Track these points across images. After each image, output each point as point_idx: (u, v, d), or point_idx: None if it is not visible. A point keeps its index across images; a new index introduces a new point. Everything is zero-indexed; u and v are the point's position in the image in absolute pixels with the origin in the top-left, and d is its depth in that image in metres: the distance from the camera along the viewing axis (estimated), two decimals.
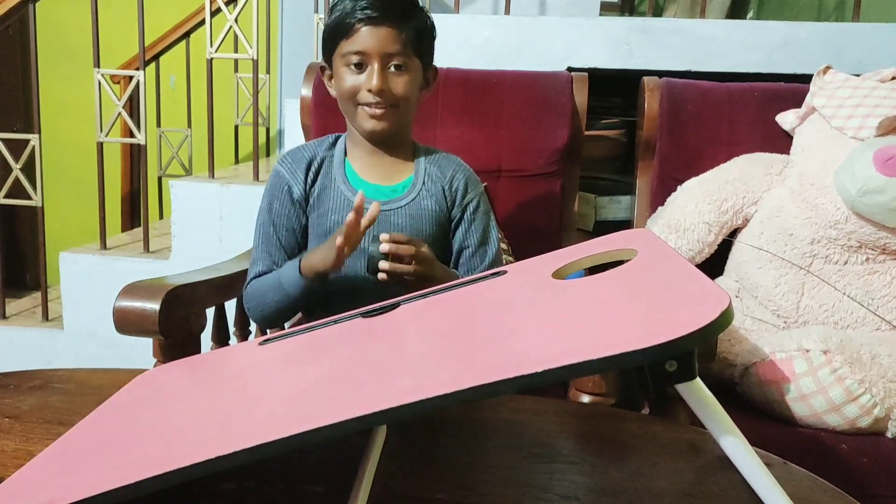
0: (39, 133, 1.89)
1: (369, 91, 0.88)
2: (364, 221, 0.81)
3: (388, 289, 0.82)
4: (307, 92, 1.39)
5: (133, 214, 2.88)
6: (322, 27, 0.97)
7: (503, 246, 1.32)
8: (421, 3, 0.95)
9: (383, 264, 0.84)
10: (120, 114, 1.90)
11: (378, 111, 0.89)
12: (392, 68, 0.89)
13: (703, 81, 1.42)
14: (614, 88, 1.77)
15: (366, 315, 0.65)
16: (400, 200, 0.95)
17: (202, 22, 2.08)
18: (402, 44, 0.88)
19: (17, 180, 1.89)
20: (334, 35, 0.91)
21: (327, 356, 0.57)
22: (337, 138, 1.00)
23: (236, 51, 2.24)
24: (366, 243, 0.88)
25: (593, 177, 1.78)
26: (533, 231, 1.38)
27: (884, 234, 1.09)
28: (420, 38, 0.91)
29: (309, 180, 0.95)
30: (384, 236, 0.84)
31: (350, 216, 0.80)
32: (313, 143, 1.00)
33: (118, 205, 2.84)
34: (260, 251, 0.96)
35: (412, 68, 0.91)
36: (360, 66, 0.89)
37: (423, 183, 0.96)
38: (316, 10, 2.41)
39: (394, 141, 0.96)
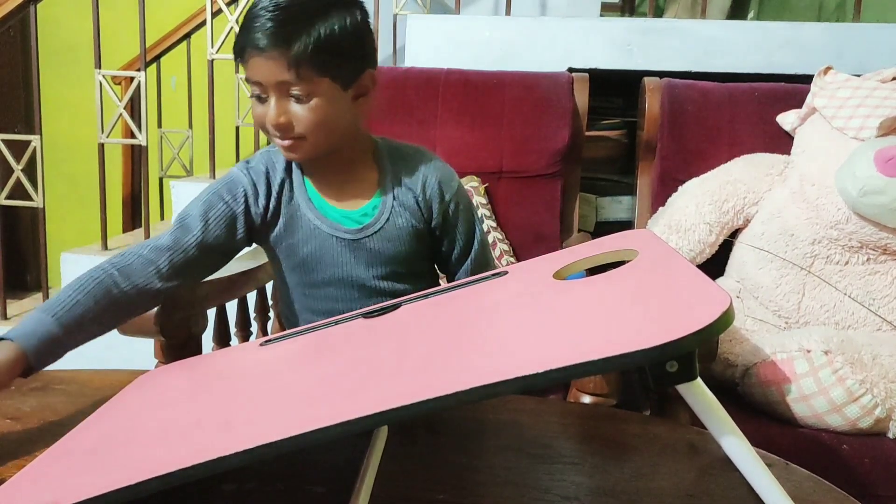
0: (40, 134, 1.89)
1: (272, 125, 0.78)
2: None
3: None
4: None
5: (134, 215, 2.88)
6: None
7: (504, 247, 1.32)
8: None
9: None
10: (121, 115, 1.90)
11: (286, 143, 0.79)
12: (293, 98, 0.77)
13: (704, 82, 1.42)
14: (615, 89, 1.77)
15: (367, 316, 0.65)
16: (374, 225, 0.86)
17: (203, 23, 2.09)
18: (295, 70, 0.75)
19: (18, 181, 1.89)
20: (236, 57, 0.80)
21: (328, 357, 0.57)
22: None
23: None
24: (347, 271, 0.85)
25: (594, 177, 1.78)
26: (534, 232, 1.38)
27: (885, 234, 1.09)
28: (321, 54, 0.75)
29: (268, 203, 0.85)
30: None
31: None
32: (262, 157, 0.88)
33: (119, 206, 2.84)
34: (169, 231, 0.83)
35: (318, 93, 0.77)
36: (261, 99, 0.78)
37: (394, 198, 0.87)
38: None
39: (341, 159, 0.86)
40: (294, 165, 0.87)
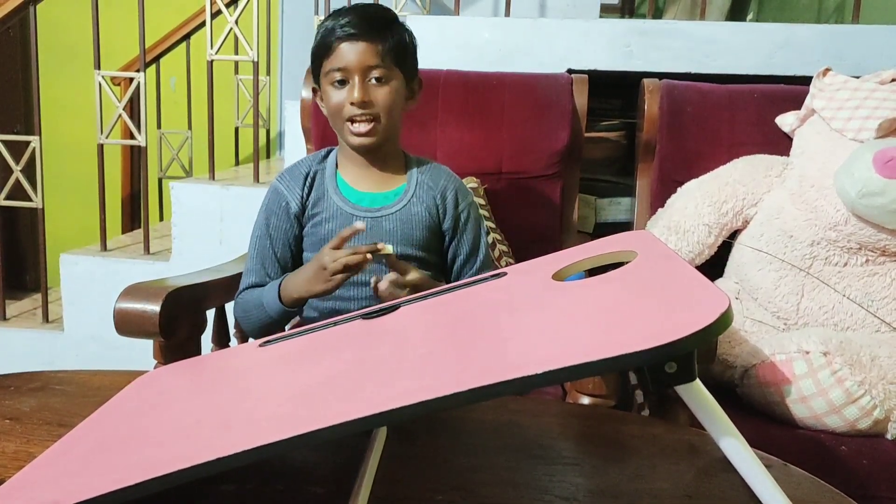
0: (40, 135, 1.89)
1: (352, 104, 0.92)
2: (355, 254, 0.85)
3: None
4: (307, 94, 1.39)
5: (133, 216, 2.88)
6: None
7: (503, 248, 1.32)
8: (400, 17, 0.99)
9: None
10: (120, 115, 1.90)
11: (362, 127, 0.93)
12: (373, 80, 0.92)
13: (703, 83, 1.42)
14: (614, 90, 1.77)
15: (366, 317, 0.65)
16: (391, 207, 0.98)
17: (202, 24, 2.09)
18: (381, 56, 0.92)
19: (17, 182, 1.89)
20: (318, 55, 0.95)
21: (328, 358, 0.57)
22: (329, 151, 1.04)
23: (237, 53, 2.25)
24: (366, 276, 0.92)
25: (593, 178, 1.78)
26: (533, 233, 1.38)
27: (883, 235, 1.09)
28: (399, 49, 0.94)
29: (304, 193, 0.99)
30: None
31: (333, 242, 0.86)
32: (308, 158, 1.03)
33: (118, 206, 2.84)
34: (255, 262, 1.00)
35: (393, 79, 0.94)
36: (343, 83, 0.93)
37: (415, 191, 0.99)
38: (316, 12, 2.41)
39: (382, 153, 0.99)
40: (329, 162, 1.01)
